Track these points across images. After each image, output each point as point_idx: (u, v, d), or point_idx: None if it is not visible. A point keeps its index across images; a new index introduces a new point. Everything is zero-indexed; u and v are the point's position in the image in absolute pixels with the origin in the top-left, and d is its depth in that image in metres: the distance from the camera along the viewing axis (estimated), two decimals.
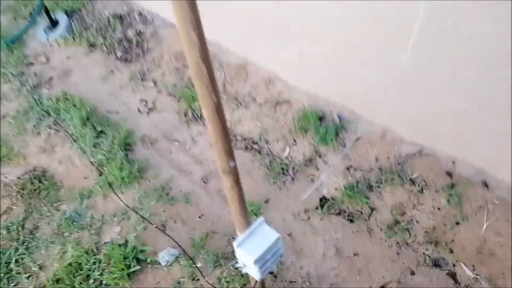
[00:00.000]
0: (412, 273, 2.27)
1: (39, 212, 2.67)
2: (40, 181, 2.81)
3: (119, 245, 2.45)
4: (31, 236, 2.59)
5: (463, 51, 2.06)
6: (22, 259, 2.50)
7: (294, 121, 2.85)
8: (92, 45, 3.53)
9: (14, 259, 2.49)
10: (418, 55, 2.18)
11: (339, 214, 2.52)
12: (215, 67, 3.18)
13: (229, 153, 1.15)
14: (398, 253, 2.34)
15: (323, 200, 2.57)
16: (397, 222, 2.42)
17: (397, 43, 2.25)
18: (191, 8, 0.84)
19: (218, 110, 1.03)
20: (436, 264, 2.28)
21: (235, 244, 1.37)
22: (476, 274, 2.22)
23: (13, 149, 3.00)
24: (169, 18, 3.51)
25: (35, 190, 2.77)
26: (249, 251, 1.35)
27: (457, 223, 2.35)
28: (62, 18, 3.65)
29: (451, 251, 2.28)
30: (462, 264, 2.25)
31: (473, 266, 2.24)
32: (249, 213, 1.41)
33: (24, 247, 2.54)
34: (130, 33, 3.52)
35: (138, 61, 3.37)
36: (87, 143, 2.92)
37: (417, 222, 2.40)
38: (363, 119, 2.77)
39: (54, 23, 3.62)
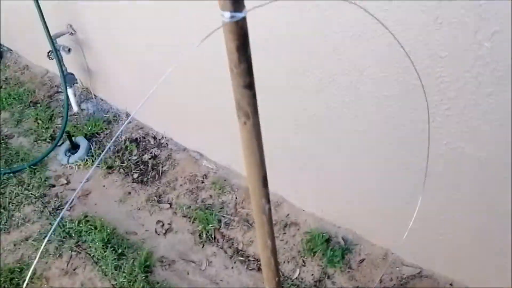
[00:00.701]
0: None
1: None
2: None
3: None
4: None
5: (457, 190, 2.39)
6: None
7: (302, 242, 3.11)
8: (109, 167, 3.82)
9: None
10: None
11: None
12: (227, 190, 3.48)
13: None
14: None
15: None
16: None
17: (399, 176, 2.59)
18: (268, 223, 1.13)
19: (278, 286, 1.29)
20: None
21: None
22: None
23: (35, 272, 3.16)
24: (182, 143, 3.86)
25: None
26: None
27: None
28: (82, 142, 3.97)
29: None
30: None
31: None
32: None
33: None
34: (146, 156, 3.85)
35: (153, 183, 3.66)
36: (109, 265, 3.11)
37: None
38: (366, 241, 3.05)
39: (74, 146, 3.94)
